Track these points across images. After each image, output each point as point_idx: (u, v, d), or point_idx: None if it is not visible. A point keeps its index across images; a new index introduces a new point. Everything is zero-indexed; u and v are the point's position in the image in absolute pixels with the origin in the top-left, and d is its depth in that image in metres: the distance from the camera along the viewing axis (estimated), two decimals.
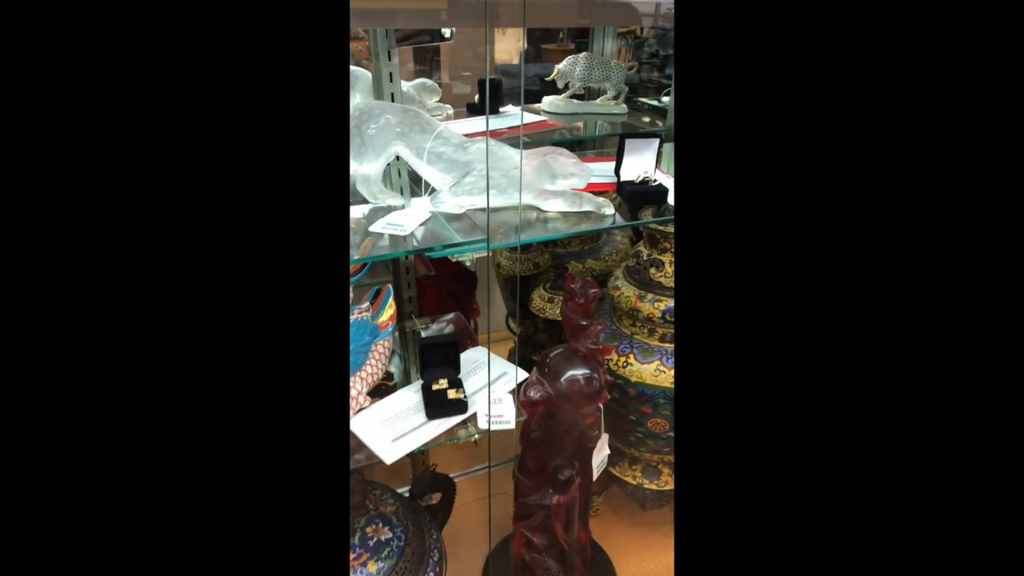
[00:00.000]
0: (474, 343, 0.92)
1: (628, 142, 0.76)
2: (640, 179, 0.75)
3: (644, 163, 0.78)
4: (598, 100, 1.30)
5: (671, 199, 0.75)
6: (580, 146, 1.25)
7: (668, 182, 0.78)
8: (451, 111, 1.27)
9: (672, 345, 0.94)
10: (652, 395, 0.92)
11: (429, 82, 1.21)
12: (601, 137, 1.29)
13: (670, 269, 0.92)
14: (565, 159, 0.69)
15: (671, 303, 0.92)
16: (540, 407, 0.78)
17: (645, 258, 0.94)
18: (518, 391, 0.79)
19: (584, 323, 0.81)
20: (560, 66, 1.25)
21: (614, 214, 0.71)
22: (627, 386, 0.93)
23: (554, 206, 0.70)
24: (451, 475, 1.01)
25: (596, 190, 0.79)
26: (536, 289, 1.10)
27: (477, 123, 1.18)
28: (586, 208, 0.71)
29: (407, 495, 0.97)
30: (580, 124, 1.29)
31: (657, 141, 0.77)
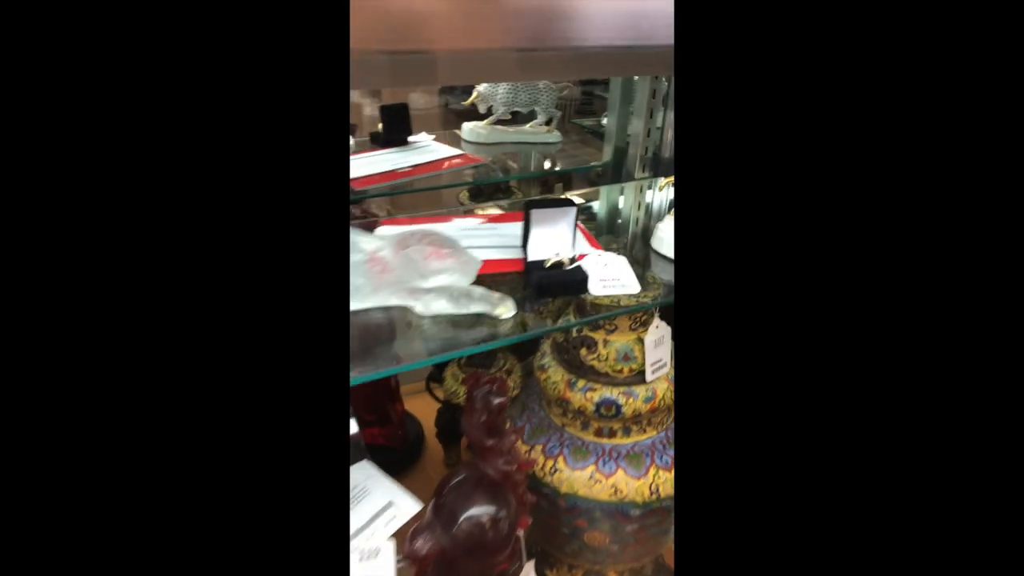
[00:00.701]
0: (361, 455, 0.73)
1: (534, 213, 0.57)
2: (551, 261, 0.56)
3: (558, 238, 0.60)
4: (528, 126, 1.12)
5: (597, 286, 0.56)
6: (503, 189, 1.07)
7: (597, 262, 0.59)
8: (352, 142, 1.07)
9: (610, 441, 0.77)
10: (587, 508, 0.74)
11: None
12: (530, 178, 1.12)
13: (605, 351, 0.74)
14: (437, 250, 0.50)
15: (608, 393, 0.74)
16: (429, 562, 0.59)
17: (574, 334, 0.76)
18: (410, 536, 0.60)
19: (489, 443, 0.63)
20: (480, 88, 1.06)
21: (514, 315, 0.53)
22: (556, 496, 0.75)
23: (435, 308, 0.52)
24: None
25: (505, 270, 0.60)
26: (449, 366, 0.92)
27: (380, 159, 0.98)
28: (475, 309, 0.52)
29: None
30: (497, 157, 1.11)
31: (574, 211, 0.59)
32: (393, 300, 0.51)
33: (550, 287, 0.55)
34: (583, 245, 0.66)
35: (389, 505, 0.65)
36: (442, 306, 0.52)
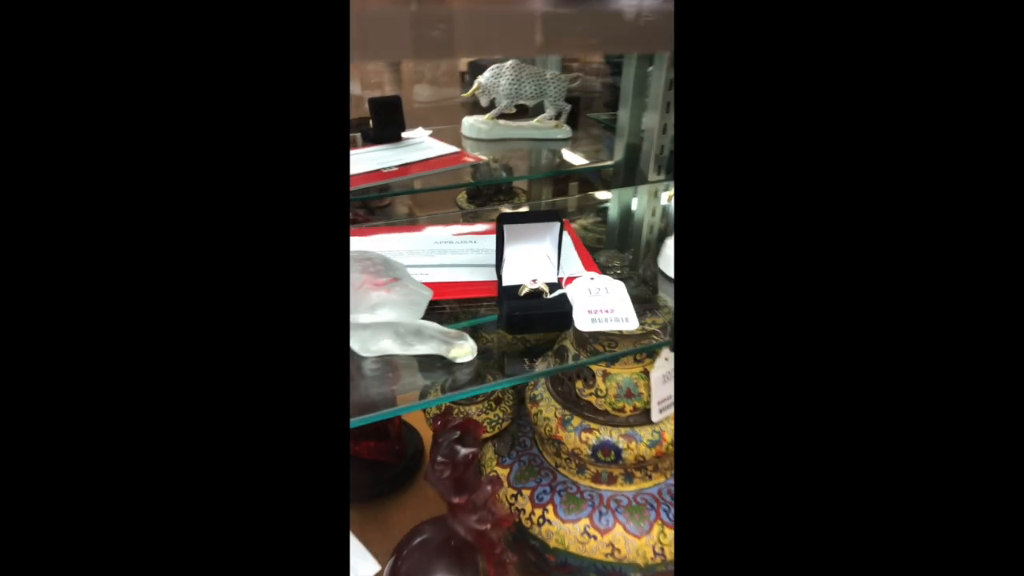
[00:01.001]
0: None
1: (509, 229, 0.47)
2: (527, 289, 0.46)
3: (540, 260, 0.49)
4: (535, 120, 1.01)
5: (584, 320, 0.46)
6: (505, 191, 0.97)
7: (588, 289, 0.49)
8: None
9: (609, 488, 0.66)
10: (579, 567, 0.64)
11: None
12: (535, 179, 1.01)
13: (604, 385, 0.64)
14: (372, 279, 0.40)
15: (607, 434, 0.63)
16: None
17: (569, 359, 0.66)
18: None
19: (456, 500, 0.53)
20: (481, 78, 0.96)
21: (473, 360, 0.43)
22: (544, 551, 0.65)
23: (376, 347, 0.42)
24: None
25: (480, 295, 0.50)
26: None
27: (366, 157, 0.89)
28: (424, 350, 0.42)
29: None
30: (497, 156, 1.00)
31: (557, 225, 0.48)
32: None
33: (524, 321, 0.45)
34: (574, 265, 0.55)
35: None
36: (385, 346, 0.42)
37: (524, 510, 0.66)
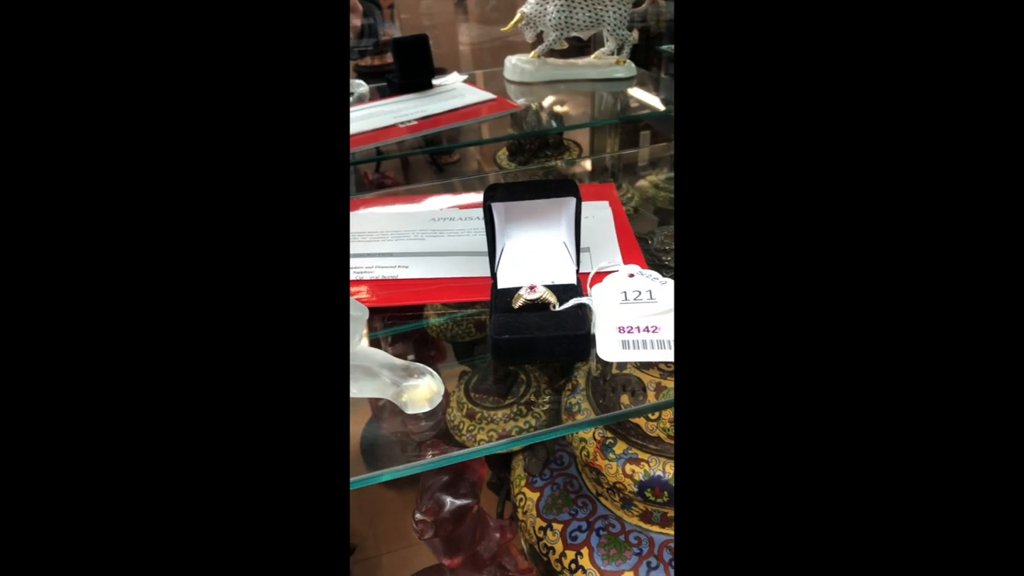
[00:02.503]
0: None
1: (498, 208, 0.33)
2: (521, 300, 0.32)
3: (548, 253, 0.35)
4: (592, 56, 0.83)
5: (612, 347, 0.31)
6: (554, 143, 0.80)
7: (622, 294, 0.34)
8: (364, 89, 0.85)
9: (662, 531, 0.52)
10: None
11: None
12: (592, 126, 0.84)
13: (655, 398, 0.48)
14: None
15: (658, 469, 0.49)
16: None
17: (615, 370, 0.51)
18: None
19: (448, 560, 0.41)
20: (524, 8, 0.79)
21: (435, 404, 0.29)
22: None
23: None
24: None
25: (476, 299, 0.37)
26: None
27: (385, 109, 0.76)
28: (368, 392, 0.30)
29: None
30: (557, 100, 0.83)
31: (572, 203, 0.33)
32: None
33: (514, 348, 0.31)
34: (609, 255, 0.39)
35: None
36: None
37: (554, 550, 0.53)
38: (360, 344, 0.30)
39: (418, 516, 0.38)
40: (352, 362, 0.29)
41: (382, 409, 0.64)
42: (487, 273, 0.38)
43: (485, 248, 0.42)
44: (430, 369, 0.29)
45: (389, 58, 1.26)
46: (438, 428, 0.46)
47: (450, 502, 0.38)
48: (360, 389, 0.29)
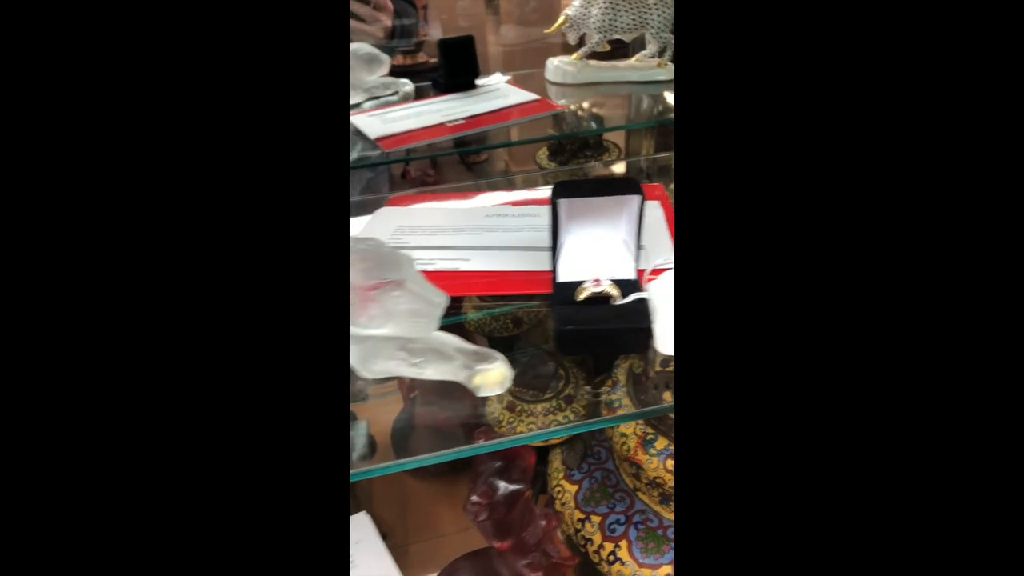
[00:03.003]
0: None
1: (565, 205, 0.34)
2: (586, 293, 0.33)
3: (608, 249, 0.36)
4: (633, 59, 0.84)
5: (671, 341, 0.32)
6: (594, 144, 0.82)
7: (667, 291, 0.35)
8: (409, 88, 0.87)
9: None
10: None
11: (367, 48, 0.82)
12: (634, 128, 0.85)
13: None
14: (364, 284, 0.29)
15: None
16: None
17: (656, 367, 0.52)
18: None
19: (498, 543, 0.43)
20: (568, 10, 0.80)
21: (504, 388, 0.31)
22: None
23: (380, 368, 0.32)
24: None
25: (537, 291, 0.38)
26: None
27: (433, 108, 0.78)
28: (438, 375, 0.31)
29: None
30: (594, 103, 0.84)
31: (636, 200, 0.34)
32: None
33: (578, 338, 0.32)
34: (666, 252, 0.41)
35: None
36: (392, 366, 0.31)
37: (592, 541, 0.55)
38: (431, 331, 0.32)
39: (473, 499, 0.40)
40: (427, 346, 0.31)
41: (413, 401, 0.66)
42: (543, 267, 0.40)
43: (540, 243, 0.43)
44: (501, 355, 0.31)
45: (421, 57, 1.28)
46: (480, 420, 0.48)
47: (503, 486, 0.40)
48: (434, 371, 0.31)
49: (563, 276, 0.36)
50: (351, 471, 0.41)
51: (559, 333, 0.32)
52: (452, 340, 0.31)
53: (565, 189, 0.34)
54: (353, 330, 0.31)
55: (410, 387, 0.61)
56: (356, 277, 0.29)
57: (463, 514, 0.74)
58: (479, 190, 0.70)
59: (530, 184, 0.63)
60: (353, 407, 0.59)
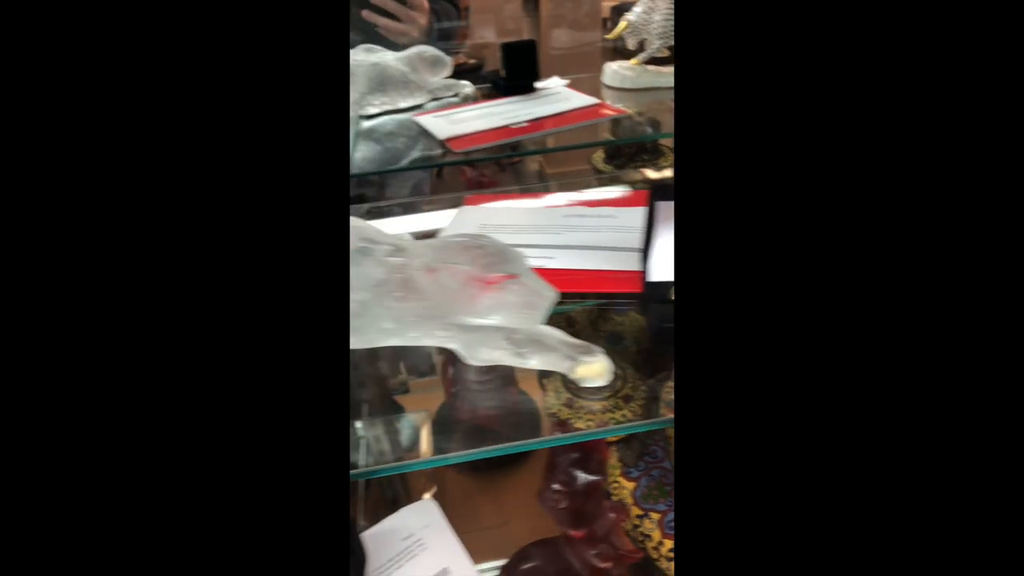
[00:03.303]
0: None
1: (662, 207, 0.36)
2: None
3: None
4: None
5: None
6: (651, 149, 0.83)
7: None
8: (470, 90, 0.89)
9: None
10: None
11: (431, 51, 0.84)
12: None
13: None
14: (480, 275, 0.31)
15: None
16: None
17: None
18: None
19: (574, 531, 0.44)
20: (629, 15, 0.81)
21: (606, 380, 0.33)
22: None
23: (486, 356, 0.34)
24: None
25: (621, 290, 0.40)
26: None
27: (497, 111, 0.80)
28: (542, 364, 0.33)
29: None
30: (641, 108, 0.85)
31: None
32: (427, 340, 0.34)
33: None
34: None
35: (442, 574, 0.50)
36: (497, 355, 0.33)
37: (651, 537, 0.56)
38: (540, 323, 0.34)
39: (554, 487, 0.41)
40: (530, 337, 0.33)
41: (455, 395, 0.68)
42: (626, 267, 0.41)
43: (619, 243, 0.45)
44: (602, 349, 0.32)
45: (460, 59, 1.31)
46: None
47: (582, 476, 0.41)
48: (538, 362, 0.32)
49: (654, 275, 0.37)
50: (399, 462, 0.43)
51: (657, 331, 0.33)
52: (555, 332, 0.33)
53: (663, 191, 0.35)
54: (462, 319, 0.33)
55: (452, 380, 0.63)
56: (477, 269, 0.31)
57: (502, 508, 0.76)
58: (537, 192, 0.71)
59: (583, 187, 0.64)
60: (397, 399, 0.62)
